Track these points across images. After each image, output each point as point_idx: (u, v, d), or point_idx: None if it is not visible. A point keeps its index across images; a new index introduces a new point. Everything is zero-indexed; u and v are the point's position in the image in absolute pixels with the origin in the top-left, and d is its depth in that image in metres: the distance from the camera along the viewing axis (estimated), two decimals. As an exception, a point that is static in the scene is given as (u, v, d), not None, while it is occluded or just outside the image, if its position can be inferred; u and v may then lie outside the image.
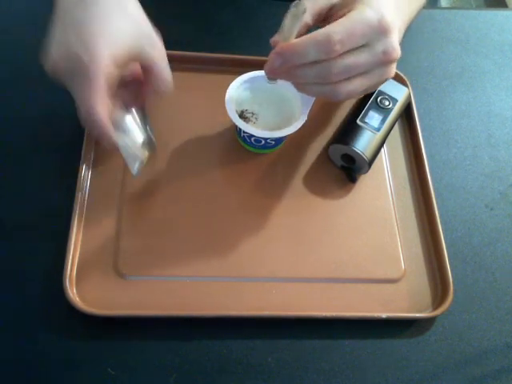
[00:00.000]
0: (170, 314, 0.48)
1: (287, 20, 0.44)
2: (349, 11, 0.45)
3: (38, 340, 0.46)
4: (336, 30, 0.43)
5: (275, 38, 0.46)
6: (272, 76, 0.47)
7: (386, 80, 0.49)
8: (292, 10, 0.43)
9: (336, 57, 0.43)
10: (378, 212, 0.57)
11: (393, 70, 0.48)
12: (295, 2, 0.42)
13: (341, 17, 0.44)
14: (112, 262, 0.50)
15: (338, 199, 0.57)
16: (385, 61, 0.46)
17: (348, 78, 0.45)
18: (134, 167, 0.50)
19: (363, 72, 0.46)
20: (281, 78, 0.47)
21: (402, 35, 0.53)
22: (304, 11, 0.43)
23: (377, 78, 0.47)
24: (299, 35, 0.45)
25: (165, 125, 0.59)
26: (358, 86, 0.46)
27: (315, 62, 0.44)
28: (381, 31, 0.44)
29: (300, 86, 0.48)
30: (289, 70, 0.45)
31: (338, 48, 0.43)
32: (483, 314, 0.53)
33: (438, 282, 0.54)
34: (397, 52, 0.46)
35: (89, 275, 0.49)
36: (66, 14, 0.45)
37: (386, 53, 0.45)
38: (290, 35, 0.45)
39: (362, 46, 0.44)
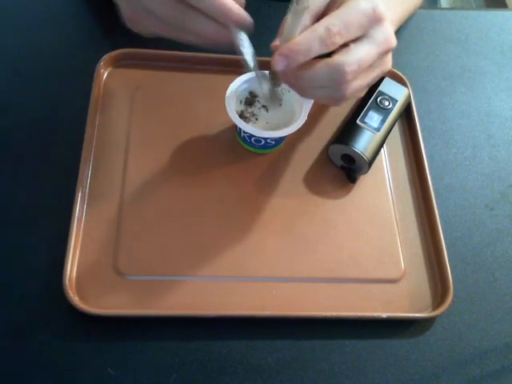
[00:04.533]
0: (169, 314, 0.48)
1: (288, 19, 0.43)
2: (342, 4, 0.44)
3: (38, 340, 0.46)
4: (333, 21, 0.42)
5: (275, 43, 0.45)
6: (282, 79, 0.46)
7: (384, 72, 0.48)
8: (293, 7, 0.42)
9: (346, 52, 0.43)
10: (378, 212, 0.57)
11: (390, 59, 0.48)
12: None
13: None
14: (112, 262, 0.50)
15: (338, 199, 0.57)
16: (386, 49, 0.46)
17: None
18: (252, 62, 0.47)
19: (368, 66, 0.45)
20: (290, 83, 0.46)
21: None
22: (307, 7, 0.42)
23: (377, 70, 0.47)
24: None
25: (165, 124, 0.59)
26: (361, 82, 0.46)
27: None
28: (376, 19, 0.44)
29: (305, 91, 0.47)
30: (297, 72, 0.44)
31: (338, 39, 0.42)
32: (483, 314, 0.53)
33: (438, 282, 0.54)
34: (394, 39, 0.46)
35: (89, 275, 0.49)
36: None
37: (386, 40, 0.45)
38: (291, 36, 0.43)
39: (363, 38, 0.44)
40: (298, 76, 0.45)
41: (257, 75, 0.49)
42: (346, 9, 0.43)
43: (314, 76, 0.44)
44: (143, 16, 0.45)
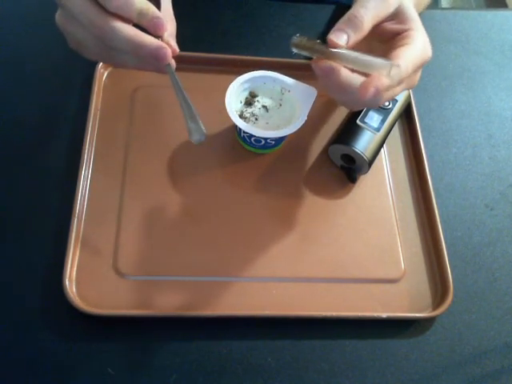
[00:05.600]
0: (169, 314, 0.48)
1: (370, 60, 0.43)
2: (397, 30, 0.47)
3: (38, 340, 0.46)
4: (384, 95, 0.44)
5: (333, 38, 0.44)
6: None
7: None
8: (385, 64, 0.41)
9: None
10: (378, 212, 0.57)
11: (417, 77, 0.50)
12: (390, 61, 0.42)
13: (391, 32, 0.47)
14: (112, 262, 0.50)
15: (338, 199, 0.57)
16: (411, 87, 0.49)
17: None
18: (197, 126, 0.47)
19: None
20: (321, 81, 0.46)
21: None
22: (388, 73, 0.42)
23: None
24: (355, 43, 0.45)
25: (165, 124, 0.59)
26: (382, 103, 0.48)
27: None
28: (423, 64, 0.47)
29: (329, 92, 0.48)
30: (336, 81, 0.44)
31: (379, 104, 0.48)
32: (483, 314, 0.53)
33: (438, 282, 0.54)
34: (417, 80, 0.50)
35: (89, 275, 0.49)
36: None
37: (416, 81, 0.49)
38: (352, 63, 0.43)
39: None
40: (334, 82, 0.44)
41: (184, 109, 0.48)
42: (409, 60, 0.44)
43: (347, 89, 0.44)
44: (81, 48, 0.48)
